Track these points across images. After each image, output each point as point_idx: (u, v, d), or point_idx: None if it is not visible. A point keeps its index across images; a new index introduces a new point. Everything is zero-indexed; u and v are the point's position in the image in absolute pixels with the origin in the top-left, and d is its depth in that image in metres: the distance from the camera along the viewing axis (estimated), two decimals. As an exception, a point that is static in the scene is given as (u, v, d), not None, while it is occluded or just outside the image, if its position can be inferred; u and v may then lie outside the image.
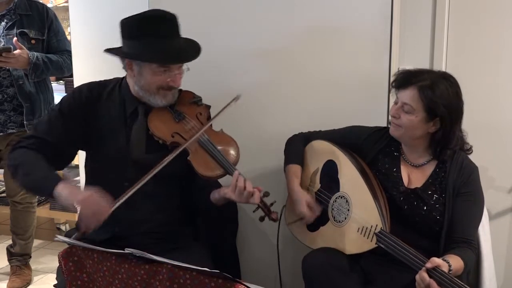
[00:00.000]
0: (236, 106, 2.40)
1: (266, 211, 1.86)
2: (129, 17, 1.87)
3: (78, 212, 1.72)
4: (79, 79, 2.65)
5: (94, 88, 1.98)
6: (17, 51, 2.69)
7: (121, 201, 1.75)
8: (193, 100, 2.00)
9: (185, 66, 1.93)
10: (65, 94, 3.22)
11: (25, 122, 2.84)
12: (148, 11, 1.87)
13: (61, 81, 3.89)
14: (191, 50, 1.93)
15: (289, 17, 2.29)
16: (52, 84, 3.92)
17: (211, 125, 2.00)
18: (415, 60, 2.27)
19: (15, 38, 2.72)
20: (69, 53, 2.90)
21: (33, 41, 2.83)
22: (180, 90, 2.01)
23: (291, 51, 2.32)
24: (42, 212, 3.55)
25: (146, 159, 1.86)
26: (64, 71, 2.94)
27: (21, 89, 2.82)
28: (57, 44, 2.93)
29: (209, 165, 1.85)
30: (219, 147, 1.88)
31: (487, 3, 2.28)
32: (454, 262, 1.69)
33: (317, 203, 2.01)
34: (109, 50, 1.93)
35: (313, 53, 2.30)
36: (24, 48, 2.73)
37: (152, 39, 1.83)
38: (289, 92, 2.35)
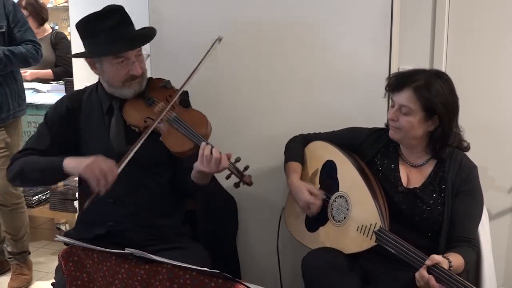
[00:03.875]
0: (233, 104, 2.42)
1: (239, 176, 1.85)
2: (81, 19, 1.94)
3: (87, 177, 1.79)
4: (79, 79, 2.66)
5: (73, 97, 2.08)
6: None
7: (125, 160, 1.81)
8: (162, 84, 2.05)
9: (145, 52, 1.99)
10: (64, 94, 3.21)
11: None
12: (101, 9, 1.95)
13: (61, 81, 3.90)
14: (142, 36, 1.98)
15: (288, 17, 2.29)
16: (51, 84, 3.93)
17: (186, 105, 2.05)
18: (415, 60, 2.27)
19: None
20: (33, 43, 2.84)
21: None
22: (150, 78, 2.07)
23: (290, 51, 2.32)
24: (42, 212, 3.54)
25: (127, 150, 1.88)
26: (30, 62, 2.86)
27: None
28: (21, 35, 2.83)
29: (179, 141, 1.89)
30: (187, 123, 1.91)
31: (487, 3, 2.28)
32: (454, 259, 1.69)
33: (319, 189, 2.01)
34: (74, 54, 2.06)
35: (313, 52, 2.30)
36: None
37: (101, 34, 1.90)
38: (289, 92, 2.35)
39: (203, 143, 1.83)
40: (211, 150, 1.80)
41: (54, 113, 2.05)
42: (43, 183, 2.01)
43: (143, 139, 1.86)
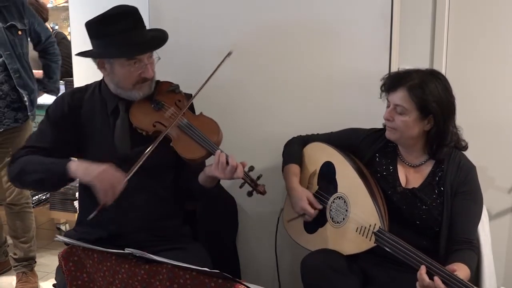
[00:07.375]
0: (232, 104, 2.42)
1: (252, 184, 1.86)
2: (92, 18, 1.89)
3: (96, 187, 1.75)
4: (79, 79, 2.65)
5: (75, 94, 2.01)
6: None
7: (134, 170, 1.78)
8: (170, 88, 2.02)
9: (156, 55, 1.95)
10: (63, 91, 3.29)
11: (29, 114, 2.89)
12: (111, 8, 1.90)
13: (61, 81, 3.89)
14: (156, 39, 1.94)
15: (289, 17, 2.29)
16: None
17: (191, 110, 2.04)
18: (415, 60, 2.27)
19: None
20: (51, 38, 3.04)
21: (19, 32, 2.81)
22: (158, 81, 2.03)
23: (290, 51, 2.32)
24: (42, 212, 3.54)
25: (132, 154, 1.87)
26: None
27: (20, 81, 2.81)
28: (40, 29, 2.96)
29: (192, 148, 1.88)
30: (199, 129, 1.90)
31: (487, 3, 2.28)
32: (462, 273, 1.67)
33: (317, 200, 2.01)
34: (80, 53, 1.96)
35: (313, 53, 2.30)
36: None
37: (115, 35, 1.85)
38: (289, 92, 2.35)
39: (218, 151, 1.82)
40: (227, 157, 1.79)
41: (56, 109, 1.98)
42: (43, 187, 1.90)
43: (154, 146, 1.82)
